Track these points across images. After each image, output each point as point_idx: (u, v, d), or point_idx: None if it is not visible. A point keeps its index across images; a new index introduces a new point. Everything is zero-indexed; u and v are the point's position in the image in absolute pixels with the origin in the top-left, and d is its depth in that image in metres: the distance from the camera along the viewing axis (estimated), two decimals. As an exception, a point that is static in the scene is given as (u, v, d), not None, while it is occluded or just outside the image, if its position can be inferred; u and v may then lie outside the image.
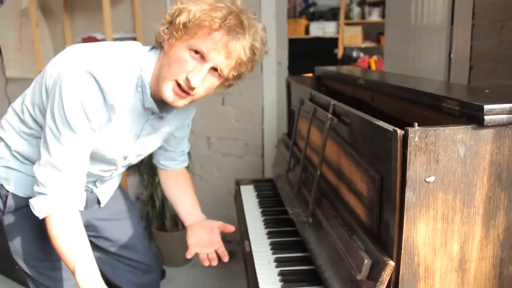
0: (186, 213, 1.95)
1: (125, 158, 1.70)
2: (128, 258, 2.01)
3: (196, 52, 1.41)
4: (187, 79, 1.42)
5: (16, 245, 1.70)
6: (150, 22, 3.54)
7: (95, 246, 1.94)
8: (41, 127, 1.56)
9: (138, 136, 1.64)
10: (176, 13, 1.43)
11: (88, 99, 1.42)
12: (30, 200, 1.48)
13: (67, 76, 1.41)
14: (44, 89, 1.50)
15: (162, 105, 1.57)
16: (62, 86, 1.40)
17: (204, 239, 1.83)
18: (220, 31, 1.40)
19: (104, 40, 3.26)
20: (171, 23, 1.45)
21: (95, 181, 1.79)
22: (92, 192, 1.81)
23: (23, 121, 1.62)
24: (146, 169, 3.42)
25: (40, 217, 1.47)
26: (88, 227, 1.85)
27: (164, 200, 3.44)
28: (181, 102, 1.48)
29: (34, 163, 1.56)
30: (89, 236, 1.84)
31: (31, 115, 1.58)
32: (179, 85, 1.44)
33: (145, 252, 2.08)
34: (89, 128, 1.47)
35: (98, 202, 1.87)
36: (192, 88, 1.44)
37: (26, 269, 1.72)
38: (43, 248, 1.70)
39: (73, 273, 1.44)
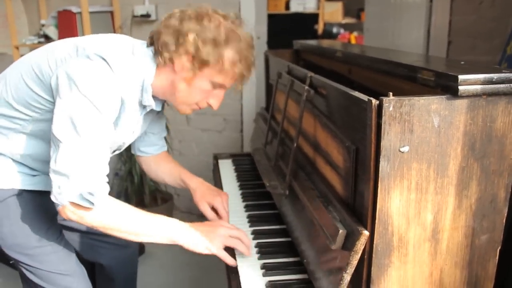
0: (181, 186, 2.00)
1: (114, 152, 1.71)
2: (105, 234, 2.00)
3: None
4: (208, 103, 1.60)
5: (7, 239, 1.64)
6: (127, -5, 3.49)
7: (71, 229, 1.92)
8: (23, 121, 1.55)
9: (133, 130, 1.66)
10: (201, 51, 1.47)
11: (111, 92, 1.43)
12: (93, 202, 1.41)
13: (88, 70, 1.41)
14: (42, 87, 1.49)
15: (156, 101, 1.63)
16: (79, 75, 1.39)
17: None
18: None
19: (79, 13, 3.21)
20: (194, 56, 1.48)
21: None
22: None
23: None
24: (124, 145, 3.40)
25: (101, 208, 1.44)
26: None
27: (143, 175, 3.43)
28: (190, 112, 1.65)
29: (11, 155, 1.58)
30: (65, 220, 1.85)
31: (15, 109, 1.55)
32: (198, 107, 1.61)
33: None
34: (114, 112, 1.47)
35: None
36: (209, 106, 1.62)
37: (24, 260, 1.65)
38: (38, 234, 1.64)
39: (167, 239, 1.54)
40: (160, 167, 1.98)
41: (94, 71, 1.40)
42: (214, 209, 1.82)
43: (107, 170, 1.45)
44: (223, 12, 1.54)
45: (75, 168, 1.37)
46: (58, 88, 1.42)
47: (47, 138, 1.55)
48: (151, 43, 1.56)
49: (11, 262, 1.70)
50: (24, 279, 1.73)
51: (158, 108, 1.67)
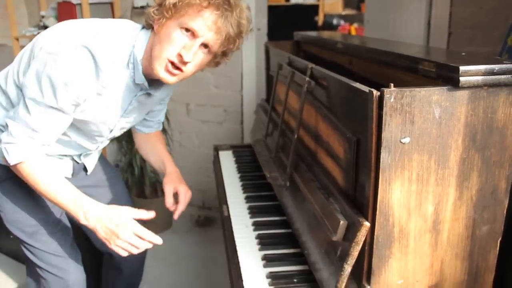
0: (160, 169, 1.97)
1: (110, 131, 1.73)
2: None
3: (187, 29, 1.47)
4: (179, 55, 1.48)
5: (9, 215, 1.73)
6: (127, -14, 3.48)
7: None
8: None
9: (125, 110, 1.67)
10: None
11: (81, 74, 1.45)
12: (1, 147, 1.50)
13: (63, 48, 1.44)
14: (32, 57, 1.53)
15: (152, 82, 1.62)
16: (58, 57, 1.43)
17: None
18: (209, 8, 1.46)
19: (79, 5, 3.20)
20: (160, 4, 1.50)
21: (79, 155, 1.82)
22: (78, 162, 1.85)
23: (6, 94, 1.63)
24: (125, 136, 3.39)
25: (12, 163, 1.50)
26: None
27: (143, 167, 3.43)
28: (172, 79, 1.53)
29: None
30: None
31: (17, 86, 1.60)
32: (171, 63, 1.49)
33: None
34: (74, 102, 1.49)
35: (85, 169, 1.91)
36: (185, 63, 1.49)
37: (22, 237, 1.75)
38: (38, 214, 1.73)
39: (74, 212, 1.52)
40: (149, 145, 2.01)
41: (73, 59, 1.43)
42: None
43: (43, 142, 1.52)
44: None
45: (15, 127, 1.48)
46: (33, 60, 1.50)
47: None
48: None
49: (11, 236, 1.78)
50: (25, 257, 1.83)
51: (156, 92, 1.68)
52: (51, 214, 1.77)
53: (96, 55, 1.45)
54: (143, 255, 2.23)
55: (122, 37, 1.54)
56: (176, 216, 1.78)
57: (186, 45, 1.48)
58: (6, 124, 1.50)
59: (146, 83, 1.59)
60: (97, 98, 1.54)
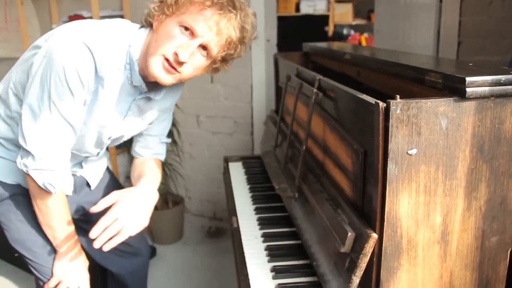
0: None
1: (109, 137, 1.68)
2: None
3: (186, 28, 1.41)
4: (175, 54, 1.41)
5: (14, 234, 1.69)
6: (137, 0, 3.51)
7: (84, 231, 1.93)
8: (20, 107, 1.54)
9: (125, 116, 1.62)
10: None
11: (83, 67, 1.39)
12: (44, 181, 1.48)
13: (63, 45, 1.39)
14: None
15: (151, 85, 1.57)
16: (57, 55, 1.38)
17: None
18: (212, 8, 1.40)
19: (90, 18, 3.23)
20: (162, 1, 1.45)
21: (80, 162, 1.78)
22: (80, 176, 1.81)
23: (6, 104, 1.60)
24: (136, 148, 3.41)
25: (54, 192, 1.51)
26: (78, 211, 1.87)
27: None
28: (168, 79, 1.46)
29: (14, 150, 1.59)
30: (78, 220, 1.88)
31: (16, 96, 1.56)
32: (167, 60, 1.42)
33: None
34: (84, 95, 1.45)
35: (88, 185, 1.87)
36: (180, 63, 1.42)
37: (27, 255, 1.72)
38: (40, 233, 1.67)
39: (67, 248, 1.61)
40: (139, 167, 1.83)
41: (73, 53, 1.38)
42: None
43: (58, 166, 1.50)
44: None
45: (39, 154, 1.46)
46: (31, 67, 1.45)
47: None
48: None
49: (16, 255, 1.77)
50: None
51: (157, 97, 1.62)
52: None
53: (93, 51, 1.40)
54: (145, 272, 2.21)
55: (119, 36, 1.49)
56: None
57: (183, 44, 1.41)
58: (27, 150, 1.44)
59: (143, 85, 1.53)
60: (94, 101, 1.50)
